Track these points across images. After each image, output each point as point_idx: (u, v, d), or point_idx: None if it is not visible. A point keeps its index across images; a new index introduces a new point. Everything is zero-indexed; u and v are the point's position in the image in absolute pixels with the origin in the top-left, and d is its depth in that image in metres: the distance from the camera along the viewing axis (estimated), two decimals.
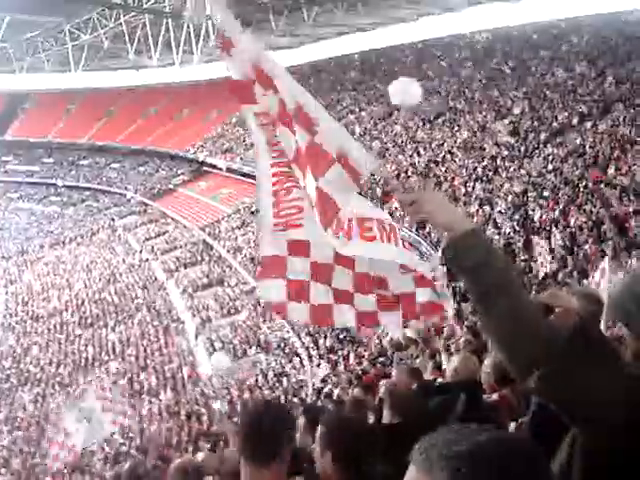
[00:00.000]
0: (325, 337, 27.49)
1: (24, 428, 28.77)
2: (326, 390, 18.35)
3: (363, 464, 2.90)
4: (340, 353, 25.43)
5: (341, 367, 23.25)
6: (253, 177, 46.90)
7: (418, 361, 12.83)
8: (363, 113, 49.95)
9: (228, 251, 42.68)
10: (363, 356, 22.67)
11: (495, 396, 4.96)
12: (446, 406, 4.55)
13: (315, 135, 3.23)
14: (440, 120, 40.44)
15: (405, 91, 15.43)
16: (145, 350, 34.38)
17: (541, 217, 22.75)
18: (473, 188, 29.08)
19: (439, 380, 7.06)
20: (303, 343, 28.24)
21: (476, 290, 2.07)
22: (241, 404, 24.40)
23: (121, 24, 55.34)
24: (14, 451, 26.98)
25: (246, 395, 26.15)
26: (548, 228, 21.30)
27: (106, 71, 75.31)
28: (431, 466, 1.27)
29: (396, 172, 36.03)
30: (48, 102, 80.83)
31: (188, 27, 50.80)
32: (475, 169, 30.76)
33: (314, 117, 3.25)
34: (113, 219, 62.51)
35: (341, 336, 26.75)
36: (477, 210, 26.81)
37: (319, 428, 3.13)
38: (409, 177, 34.26)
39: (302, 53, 65.40)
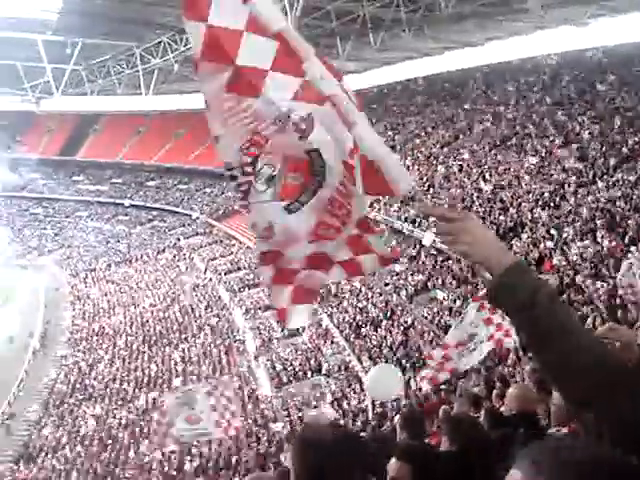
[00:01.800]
0: (386, 361, 27.33)
1: (86, 443, 29.32)
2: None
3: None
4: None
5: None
6: None
7: (479, 389, 12.72)
8: (429, 137, 49.80)
9: None
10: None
11: (565, 430, 4.86)
12: (506, 439, 4.47)
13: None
14: (507, 144, 40.04)
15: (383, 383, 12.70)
16: (207, 369, 34.73)
17: (610, 244, 22.26)
18: (540, 214, 28.67)
19: (502, 409, 7.00)
20: (364, 367, 28.11)
21: (524, 333, 1.94)
22: (301, 429, 24.40)
23: (190, 48, 56.59)
24: (76, 466, 27.51)
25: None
26: (618, 256, 20.81)
27: (175, 94, 77.02)
28: (541, 472, 1.27)
29: (461, 197, 35.84)
30: (118, 124, 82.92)
31: None
32: (542, 194, 30.33)
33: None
34: (179, 239, 63.54)
35: (404, 362, 26.55)
36: (544, 237, 26.42)
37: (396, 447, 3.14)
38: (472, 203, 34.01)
39: (368, 78, 65.69)
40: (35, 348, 43.11)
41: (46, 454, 29.16)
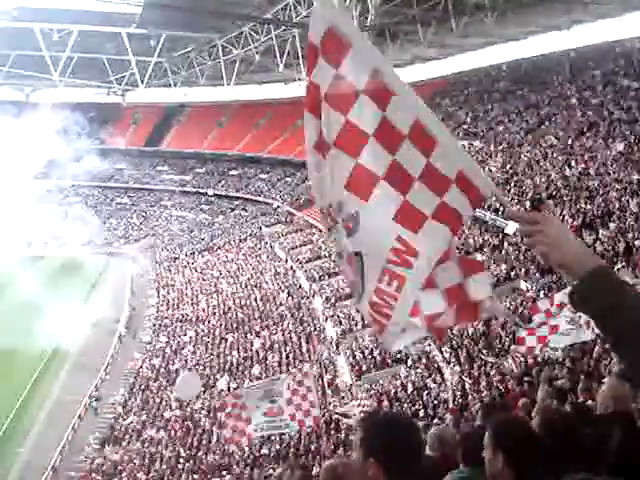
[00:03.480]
0: (467, 351, 26.85)
1: (169, 427, 29.91)
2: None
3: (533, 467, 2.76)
4: (482, 369, 24.74)
5: (483, 383, 22.66)
6: None
7: (563, 382, 12.27)
8: (512, 124, 48.63)
9: None
10: (505, 373, 22.03)
11: None
12: (600, 439, 4.17)
13: (430, 157, 3.10)
14: (594, 131, 38.73)
15: (186, 385, 19.19)
16: (287, 357, 34.88)
17: None
18: (628, 202, 27.61)
19: (588, 403, 6.66)
20: (444, 357, 27.70)
21: (608, 337, 1.87)
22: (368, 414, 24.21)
23: (271, 38, 56.92)
24: (160, 449, 28.12)
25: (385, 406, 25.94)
26: None
27: (256, 84, 77.72)
28: None
29: (545, 185, 34.87)
30: (201, 114, 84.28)
31: None
32: (630, 182, 29.18)
33: (433, 136, 3.11)
34: (260, 228, 64.15)
35: (484, 351, 26.05)
36: (632, 226, 25.42)
37: (488, 430, 3.00)
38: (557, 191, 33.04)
39: (450, 64, 64.75)
40: (121, 333, 44.32)
41: (131, 437, 29.92)
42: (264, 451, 24.83)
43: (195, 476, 25.12)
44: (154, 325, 45.61)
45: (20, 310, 47.65)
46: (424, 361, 28.76)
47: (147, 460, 27.18)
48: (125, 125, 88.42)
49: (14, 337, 41.58)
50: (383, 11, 45.69)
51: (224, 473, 24.17)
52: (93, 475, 27.04)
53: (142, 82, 68.06)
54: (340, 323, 36.48)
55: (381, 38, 51.74)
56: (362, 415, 23.01)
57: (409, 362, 29.43)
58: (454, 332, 28.53)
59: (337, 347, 34.31)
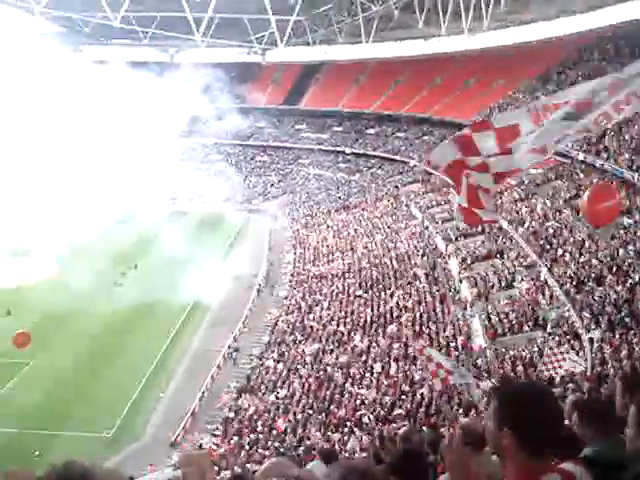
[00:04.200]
0: (609, 317, 25.64)
1: (303, 381, 30.50)
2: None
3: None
4: (624, 337, 23.56)
5: (624, 352, 21.60)
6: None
7: None
8: None
9: (510, 223, 41.45)
10: None
11: None
12: None
13: None
14: None
15: None
16: (421, 317, 34.65)
17: None
18: None
19: None
20: (584, 324, 26.56)
21: None
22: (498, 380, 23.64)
23: None
24: (293, 401, 28.77)
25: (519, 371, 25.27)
26: None
27: (395, 41, 76.58)
28: None
29: None
30: (339, 73, 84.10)
31: None
32: None
33: None
34: (397, 186, 63.73)
35: (627, 320, 24.77)
36: None
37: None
38: None
39: (598, 17, 61.01)
40: (259, 288, 45.51)
41: (267, 388, 30.79)
42: (396, 411, 24.89)
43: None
44: (290, 281, 46.51)
45: (164, 265, 49.95)
46: (563, 327, 27.77)
47: (281, 411, 27.92)
48: (265, 84, 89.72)
49: (158, 290, 43.69)
50: None
51: (355, 428, 24.44)
52: (232, 422, 28.11)
53: (281, 41, 68.58)
54: (475, 284, 35.81)
55: None
56: (495, 383, 22.57)
57: (547, 328, 28.49)
58: (595, 298, 27.36)
59: (472, 309, 33.75)
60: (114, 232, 60.71)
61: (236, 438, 26.47)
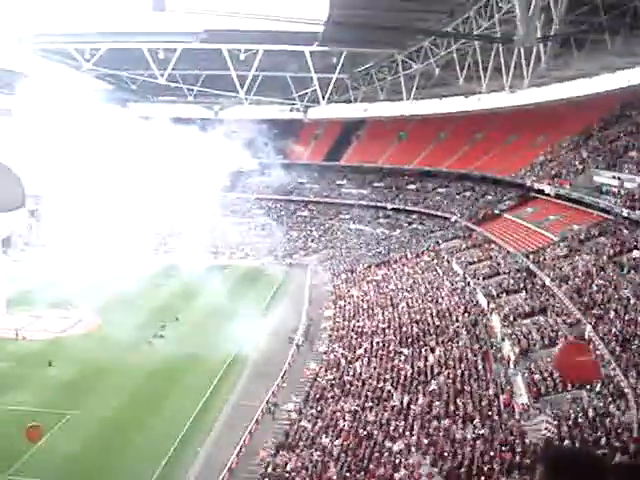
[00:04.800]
0: None
1: (343, 437, 30.06)
2: None
3: None
4: None
5: None
6: (582, 203, 44.10)
7: None
8: None
9: (552, 280, 40.89)
10: None
11: None
12: None
13: None
14: None
15: None
16: (462, 374, 34.12)
17: None
18: None
19: None
20: (630, 383, 25.89)
21: None
22: (543, 444, 23.05)
23: (451, 52, 56.33)
24: (332, 458, 28.31)
25: (565, 431, 24.63)
26: None
27: (436, 98, 77.32)
28: None
29: None
30: (381, 129, 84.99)
31: (518, 51, 49.88)
32: None
33: None
34: (438, 242, 63.55)
35: None
36: None
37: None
38: None
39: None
40: (299, 342, 45.33)
41: (304, 445, 30.39)
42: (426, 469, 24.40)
43: None
44: (330, 336, 46.26)
45: (204, 318, 50.26)
46: (609, 386, 27.06)
47: (319, 468, 27.50)
48: (307, 140, 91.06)
49: (198, 343, 43.89)
50: (568, 20, 43.84)
51: None
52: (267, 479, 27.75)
53: (323, 98, 69.71)
54: (518, 342, 35.22)
55: (566, 48, 49.71)
56: (543, 446, 22.01)
57: (592, 387, 27.77)
58: None
59: (514, 367, 33.15)
60: (156, 284, 61.37)
61: None
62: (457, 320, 42.41)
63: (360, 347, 42.28)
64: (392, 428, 29.62)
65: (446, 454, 25.34)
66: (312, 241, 78.64)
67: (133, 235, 58.58)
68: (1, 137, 53.47)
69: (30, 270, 63.39)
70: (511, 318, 38.89)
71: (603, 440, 20.99)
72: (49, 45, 63.88)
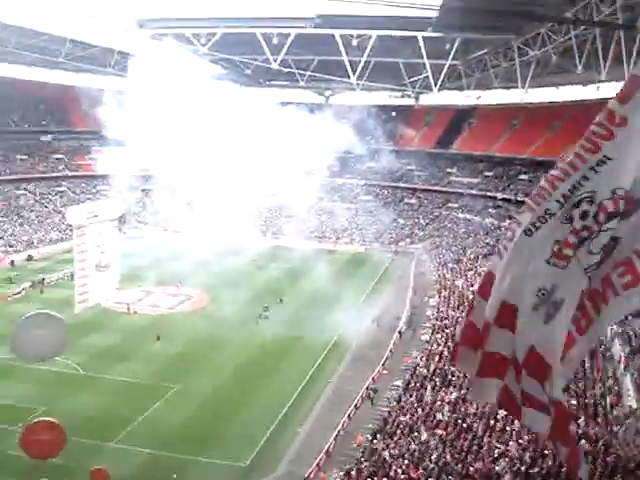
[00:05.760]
0: None
1: (442, 428, 29.82)
2: None
3: None
4: None
5: None
6: None
7: None
8: None
9: None
10: None
11: None
12: None
13: None
14: None
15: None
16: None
17: None
18: None
19: None
20: None
21: None
22: None
23: (570, 39, 54.37)
24: (429, 448, 28.14)
25: None
26: None
27: (553, 86, 74.96)
28: None
29: None
30: (493, 117, 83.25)
31: None
32: None
33: None
34: None
35: None
36: None
37: None
38: None
39: None
40: (401, 330, 45.19)
41: (402, 432, 30.33)
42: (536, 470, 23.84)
43: None
44: (433, 325, 45.87)
45: (308, 301, 50.87)
46: None
47: (416, 458, 27.40)
48: (417, 127, 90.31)
49: (301, 326, 44.51)
50: None
51: None
52: (364, 463, 27.88)
53: (435, 85, 68.77)
54: (629, 341, 33.90)
55: None
56: None
57: None
58: None
59: (625, 369, 31.96)
60: (260, 266, 62.59)
61: None
62: None
63: None
64: (492, 422, 29.16)
65: (547, 452, 24.74)
66: (419, 229, 78.12)
67: (241, 216, 59.88)
68: (117, 117, 55.52)
69: (142, 247, 65.90)
70: (622, 317, 37.47)
71: None
72: (167, 30, 65.76)
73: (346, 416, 32.10)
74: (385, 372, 38.38)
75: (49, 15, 57.61)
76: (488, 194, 77.57)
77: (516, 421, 28.25)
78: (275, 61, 67.24)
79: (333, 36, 62.96)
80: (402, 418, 31.78)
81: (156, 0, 63.27)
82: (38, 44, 66.84)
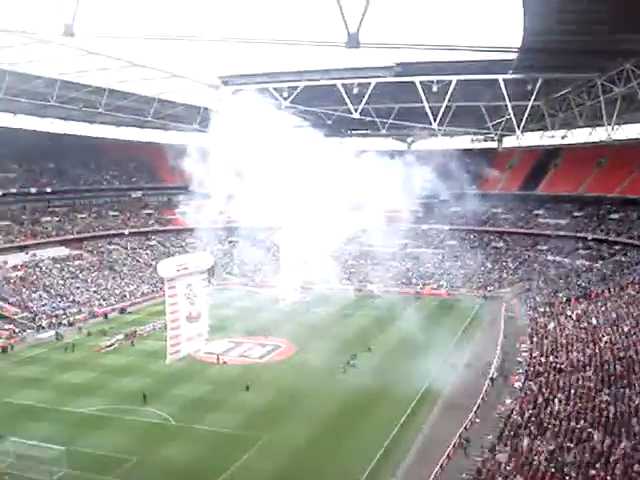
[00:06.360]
0: None
1: (539, 478, 28.79)
2: None
3: None
4: None
5: None
6: None
7: None
8: None
9: None
10: None
11: None
12: None
13: None
14: None
15: None
16: None
17: None
18: None
19: None
20: None
21: None
22: None
23: None
24: None
25: None
26: None
27: (638, 123, 73.19)
28: None
29: None
30: (579, 156, 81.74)
31: None
32: None
33: None
34: None
35: None
36: None
37: None
38: None
39: None
40: (493, 376, 44.20)
41: None
42: None
43: None
44: (526, 371, 44.67)
45: (397, 348, 50.53)
46: None
47: None
48: (501, 169, 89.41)
49: (390, 373, 44.16)
50: None
51: None
52: None
53: (518, 127, 68.01)
54: None
55: None
56: None
57: None
58: None
59: None
60: (346, 314, 62.59)
61: None
62: None
63: (558, 384, 40.48)
64: (593, 472, 27.99)
65: None
66: (507, 272, 76.78)
67: (327, 264, 60.15)
68: (202, 171, 56.95)
69: (230, 298, 66.96)
70: None
71: None
72: (251, 86, 67.47)
73: (439, 466, 31.42)
74: (478, 420, 37.50)
75: (137, 76, 60.09)
76: (578, 235, 75.81)
77: (616, 470, 27.08)
78: (356, 111, 67.95)
79: (413, 83, 63.27)
80: (497, 465, 30.90)
81: (238, 56, 65.02)
82: (128, 104, 69.68)
